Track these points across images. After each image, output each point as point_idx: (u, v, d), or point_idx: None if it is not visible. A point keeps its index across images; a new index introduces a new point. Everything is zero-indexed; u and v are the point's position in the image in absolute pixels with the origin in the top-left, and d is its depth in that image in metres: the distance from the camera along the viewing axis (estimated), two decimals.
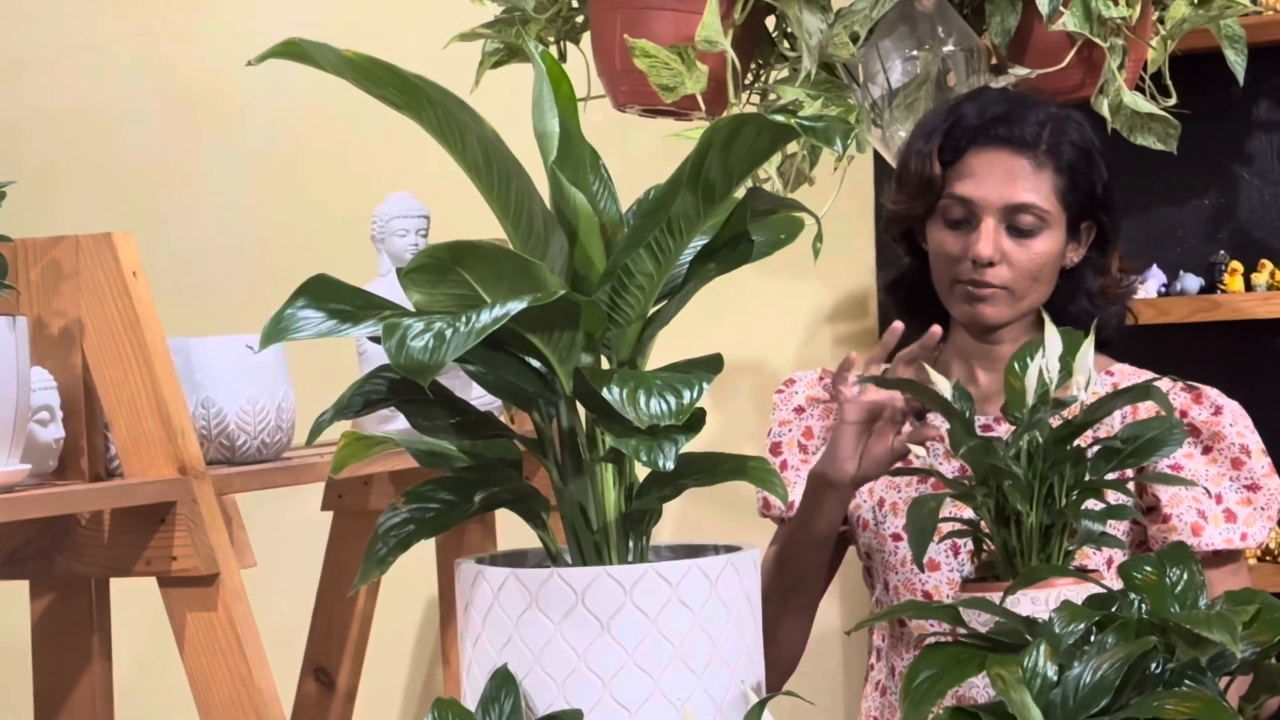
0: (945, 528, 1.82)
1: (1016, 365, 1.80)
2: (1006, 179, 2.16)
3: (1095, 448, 1.78)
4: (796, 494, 2.25)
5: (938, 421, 2.20)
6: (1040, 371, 1.76)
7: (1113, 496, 1.81)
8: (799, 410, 2.32)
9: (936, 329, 2.06)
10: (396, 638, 3.54)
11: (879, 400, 2.04)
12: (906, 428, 2.07)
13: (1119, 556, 2.13)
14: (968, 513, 1.82)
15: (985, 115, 2.18)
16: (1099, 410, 1.77)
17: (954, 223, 2.18)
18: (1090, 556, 2.11)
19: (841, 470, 2.06)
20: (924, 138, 2.21)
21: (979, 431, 1.81)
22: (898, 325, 2.07)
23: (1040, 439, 1.74)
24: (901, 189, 2.22)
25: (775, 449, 2.31)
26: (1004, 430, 2.15)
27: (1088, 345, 1.77)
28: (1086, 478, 1.74)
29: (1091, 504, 1.76)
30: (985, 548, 1.80)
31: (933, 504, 1.76)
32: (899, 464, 2.21)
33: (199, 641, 1.99)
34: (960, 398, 1.81)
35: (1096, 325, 1.95)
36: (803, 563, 2.17)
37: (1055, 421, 1.76)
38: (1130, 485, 2.08)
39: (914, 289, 2.29)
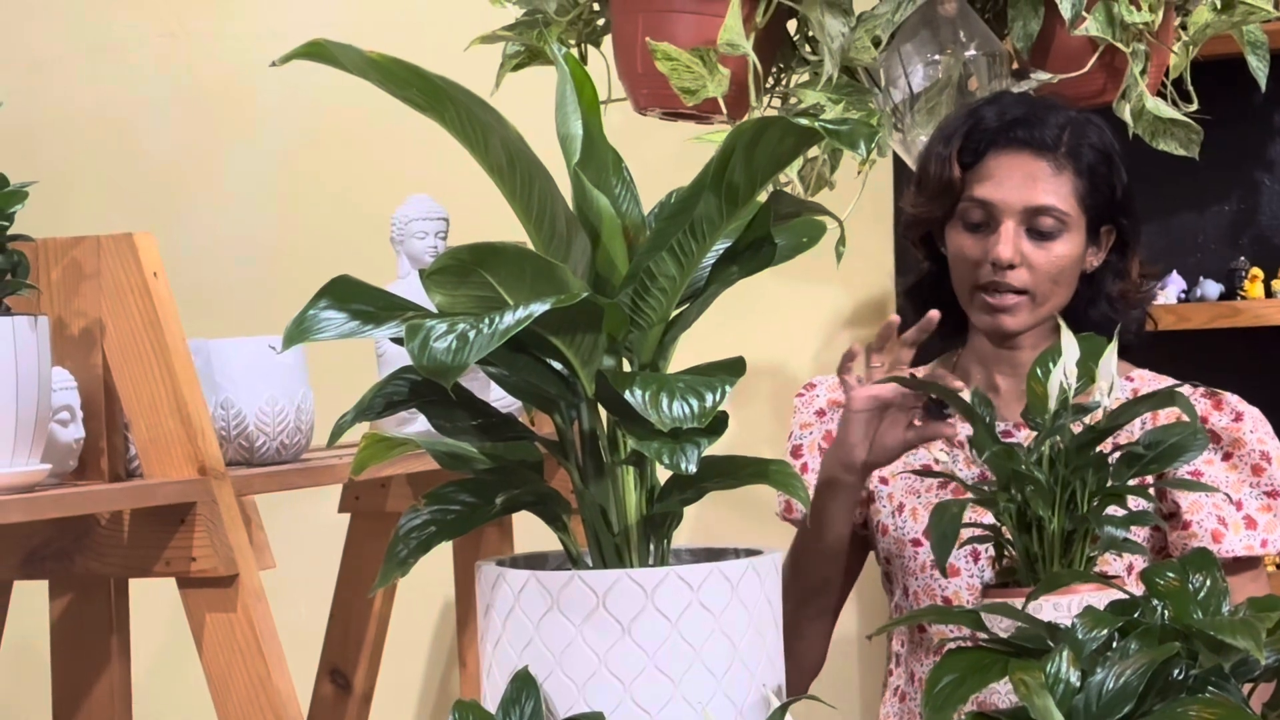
0: (966, 533, 1.82)
1: (1039, 370, 1.80)
2: (1026, 181, 2.15)
3: (1116, 454, 1.77)
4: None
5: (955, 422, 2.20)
6: (1062, 377, 1.76)
7: (1134, 502, 1.81)
8: (820, 413, 2.31)
9: (934, 313, 2.07)
10: (413, 640, 3.55)
11: (885, 392, 2.04)
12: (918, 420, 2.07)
13: (1140, 563, 2.13)
14: (988, 518, 1.81)
15: (1005, 118, 2.18)
16: (1121, 416, 1.77)
17: (973, 226, 2.18)
18: (1110, 563, 2.11)
19: (851, 455, 2.06)
20: (943, 141, 2.20)
21: (999, 438, 1.80)
22: (894, 318, 2.09)
23: (1062, 444, 1.73)
24: (921, 192, 2.22)
25: (796, 451, 2.31)
26: (1024, 436, 2.14)
27: (1110, 351, 1.77)
28: (1109, 483, 1.74)
29: (1113, 510, 1.75)
30: (1006, 553, 1.80)
31: (955, 510, 1.75)
32: (919, 466, 2.21)
33: (217, 642, 1.99)
34: (981, 403, 1.81)
35: (1118, 331, 1.95)
36: (818, 561, 2.17)
37: (1077, 427, 1.75)
38: (1150, 492, 2.08)
39: (933, 294, 2.28)
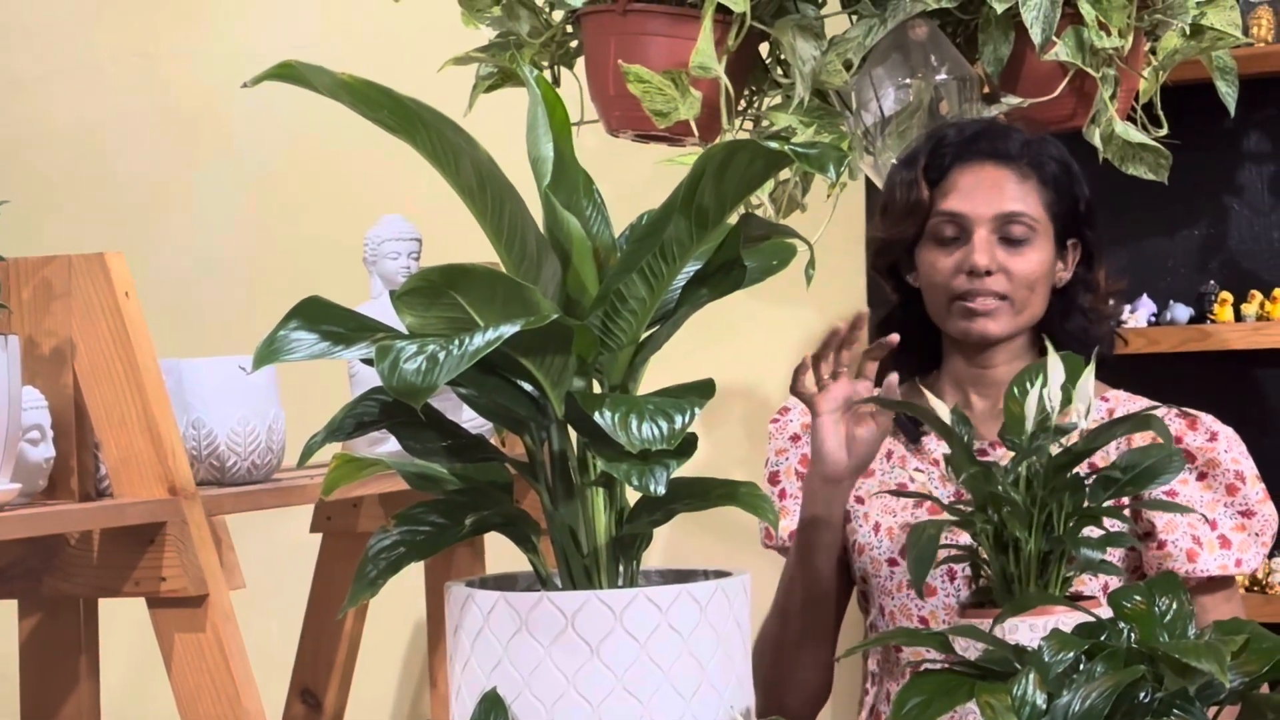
0: (943, 553, 1.83)
1: (1016, 390, 1.80)
2: (994, 190, 2.18)
3: (1092, 475, 1.78)
4: (796, 522, 2.25)
5: (932, 444, 2.21)
6: (1041, 398, 1.76)
7: (1110, 523, 1.82)
8: (794, 439, 2.32)
9: (894, 336, 2.08)
10: (384, 660, 3.54)
11: (845, 390, 2.05)
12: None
13: (1115, 584, 2.13)
14: (965, 538, 1.82)
15: (966, 133, 2.21)
16: (1099, 438, 1.78)
17: (946, 240, 2.19)
18: (1087, 584, 2.11)
19: (835, 462, 2.06)
20: (907, 164, 2.23)
21: (975, 457, 1.81)
22: (838, 325, 2.08)
23: (1039, 466, 1.74)
24: (888, 217, 2.23)
25: (773, 478, 2.31)
26: (1000, 455, 2.15)
27: (1088, 373, 1.78)
28: (1085, 505, 1.75)
29: (1090, 531, 1.76)
30: (983, 573, 1.81)
31: (933, 531, 1.76)
32: (895, 486, 2.21)
33: (187, 662, 1.98)
34: (959, 422, 1.82)
35: (1092, 346, 1.96)
36: (815, 581, 2.17)
37: (1054, 449, 1.76)
38: (1126, 511, 2.08)
39: (904, 324, 2.29)
